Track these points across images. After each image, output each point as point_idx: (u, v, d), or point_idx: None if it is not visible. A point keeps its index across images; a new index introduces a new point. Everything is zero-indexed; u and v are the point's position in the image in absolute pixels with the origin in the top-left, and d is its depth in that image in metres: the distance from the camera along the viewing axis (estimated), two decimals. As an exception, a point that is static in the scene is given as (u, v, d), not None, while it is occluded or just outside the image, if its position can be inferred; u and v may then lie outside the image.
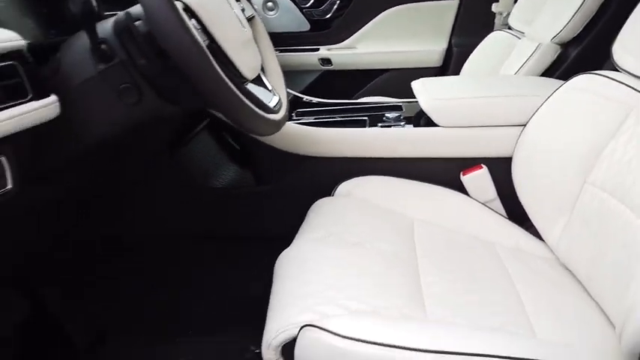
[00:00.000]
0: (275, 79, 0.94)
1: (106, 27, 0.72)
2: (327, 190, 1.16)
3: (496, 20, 1.95)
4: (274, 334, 0.72)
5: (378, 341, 0.64)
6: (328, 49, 2.24)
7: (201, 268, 1.33)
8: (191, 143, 1.45)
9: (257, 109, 0.74)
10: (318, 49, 2.24)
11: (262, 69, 0.91)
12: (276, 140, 1.22)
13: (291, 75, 2.22)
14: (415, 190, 1.12)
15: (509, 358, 0.63)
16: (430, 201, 1.10)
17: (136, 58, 0.71)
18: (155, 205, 1.27)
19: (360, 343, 0.65)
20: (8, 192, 0.69)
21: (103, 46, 0.71)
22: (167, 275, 1.33)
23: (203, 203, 1.29)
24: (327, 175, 1.19)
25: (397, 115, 1.25)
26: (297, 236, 0.98)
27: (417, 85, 1.25)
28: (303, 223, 1.04)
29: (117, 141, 0.94)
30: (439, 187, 1.13)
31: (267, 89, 0.88)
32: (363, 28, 2.18)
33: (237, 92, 0.70)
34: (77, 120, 0.73)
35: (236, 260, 1.32)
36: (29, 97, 0.66)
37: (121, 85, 0.73)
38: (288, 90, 1.57)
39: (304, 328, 0.68)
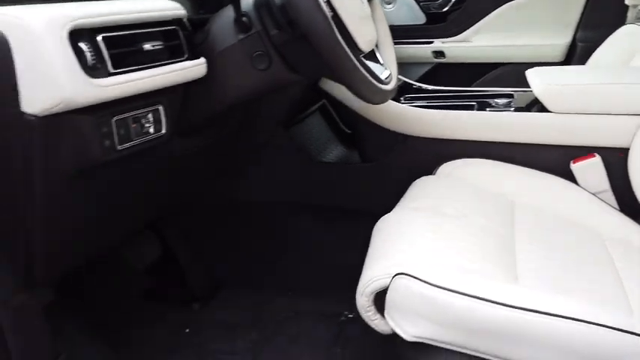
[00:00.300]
0: (387, 55, 1.01)
1: (247, 2, 0.84)
2: (430, 169, 1.20)
3: (629, 13, 1.82)
4: (368, 282, 0.79)
5: (468, 292, 0.68)
6: (442, 42, 2.25)
7: (305, 236, 1.44)
8: (305, 122, 1.57)
9: (369, 77, 0.82)
10: (432, 42, 2.26)
11: (376, 45, 0.99)
12: (382, 119, 1.29)
13: (403, 66, 2.27)
14: (520, 175, 1.12)
15: (600, 325, 0.64)
16: (535, 187, 1.09)
17: (270, 29, 0.83)
18: (270, 173, 1.41)
19: (451, 292, 0.69)
20: (162, 136, 0.84)
21: (244, 19, 0.83)
22: (274, 239, 1.46)
23: (312, 175, 1.40)
24: (431, 155, 1.22)
25: (507, 101, 1.25)
26: (396, 206, 1.04)
27: (532, 73, 1.24)
28: (403, 196, 1.09)
29: (248, 105, 1.07)
30: (546, 173, 1.11)
31: (380, 63, 0.95)
32: (481, 21, 2.15)
33: (354, 59, 0.78)
34: (218, 80, 0.87)
35: (338, 231, 1.41)
36: (185, 57, 0.80)
37: (255, 52, 0.85)
38: (399, 76, 1.63)
39: (397, 276, 0.74)
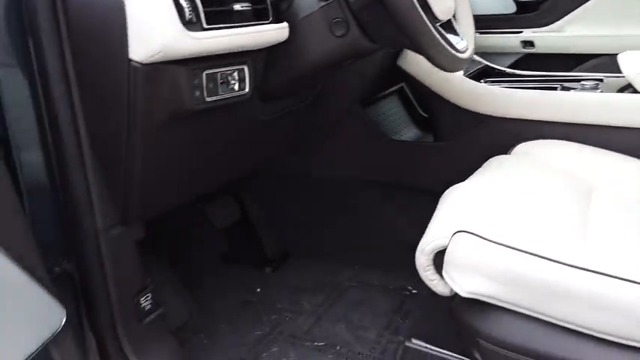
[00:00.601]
0: (465, 27, 1.01)
1: None
2: (505, 150, 1.18)
3: None
4: (428, 241, 0.81)
5: (527, 250, 0.69)
6: (533, 32, 2.17)
7: (375, 212, 1.47)
8: (382, 102, 1.61)
9: (444, 43, 0.84)
10: (521, 32, 2.18)
11: (454, 16, 1.00)
12: (460, 98, 1.29)
13: (489, 56, 2.21)
14: (602, 157, 1.07)
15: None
16: (618, 170, 1.04)
17: None
18: (344, 150, 1.45)
19: (509, 249, 0.70)
20: (245, 94, 0.91)
21: None
22: (344, 214, 1.50)
23: (385, 153, 1.43)
24: (507, 135, 1.21)
25: (594, 84, 1.20)
26: (467, 179, 1.04)
27: (624, 56, 1.18)
28: (476, 172, 1.09)
29: (327, 76, 1.12)
30: (633, 158, 1.06)
31: (456, 34, 0.97)
32: (578, 9, 2.05)
33: (428, 24, 0.80)
34: (298, 46, 0.93)
35: (408, 209, 1.43)
36: (269, 21, 0.87)
37: (334, 19, 0.90)
38: (477, 57, 1.61)
39: (457, 233, 0.76)
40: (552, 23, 2.12)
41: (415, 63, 1.34)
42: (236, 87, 0.89)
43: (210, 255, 1.51)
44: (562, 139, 1.13)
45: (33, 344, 0.59)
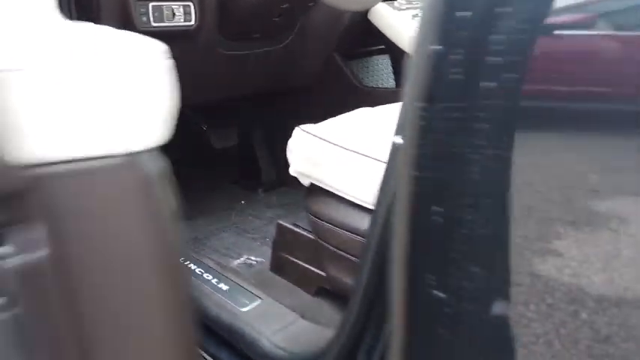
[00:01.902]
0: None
1: None
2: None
3: None
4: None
5: (331, 141, 0.89)
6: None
7: None
8: (374, 58, 1.78)
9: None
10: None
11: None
12: (405, 43, 1.44)
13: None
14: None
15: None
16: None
17: None
18: (325, 95, 1.67)
19: (318, 140, 0.91)
20: (191, 26, 1.21)
21: None
22: None
23: (359, 101, 1.61)
24: None
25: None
26: None
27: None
28: None
29: (271, 14, 1.35)
30: None
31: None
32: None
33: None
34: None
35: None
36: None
37: None
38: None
39: (297, 128, 0.98)
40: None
41: (374, 13, 1.50)
42: (182, 19, 1.19)
43: (218, 175, 1.85)
44: None
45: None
